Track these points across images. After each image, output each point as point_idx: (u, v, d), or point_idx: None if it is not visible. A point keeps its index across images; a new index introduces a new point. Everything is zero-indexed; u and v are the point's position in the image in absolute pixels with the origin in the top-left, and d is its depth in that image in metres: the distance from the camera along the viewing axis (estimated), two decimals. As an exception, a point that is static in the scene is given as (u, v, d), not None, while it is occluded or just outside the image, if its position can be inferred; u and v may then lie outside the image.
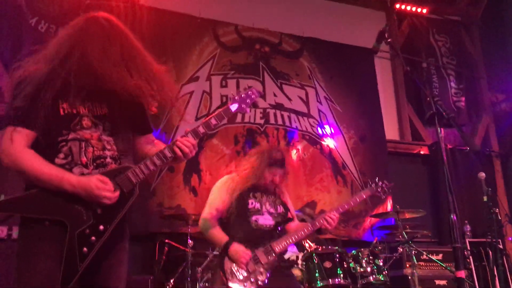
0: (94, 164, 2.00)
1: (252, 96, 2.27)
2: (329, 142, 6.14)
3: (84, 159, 1.98)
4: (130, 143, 2.22)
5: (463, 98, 7.14)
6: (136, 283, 4.17)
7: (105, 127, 2.06)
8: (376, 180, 3.56)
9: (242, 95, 2.26)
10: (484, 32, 7.62)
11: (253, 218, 3.15)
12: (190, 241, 4.25)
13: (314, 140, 6.09)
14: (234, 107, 2.23)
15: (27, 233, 1.92)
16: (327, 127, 6.21)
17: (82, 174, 1.96)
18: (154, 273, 4.41)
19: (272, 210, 3.22)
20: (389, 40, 2.35)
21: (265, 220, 3.17)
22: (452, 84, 7.16)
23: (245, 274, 2.97)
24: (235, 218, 3.17)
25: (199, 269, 4.02)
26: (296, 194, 5.73)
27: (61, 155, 1.96)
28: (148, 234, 4.85)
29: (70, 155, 1.96)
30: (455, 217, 1.78)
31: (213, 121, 2.19)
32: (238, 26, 6.10)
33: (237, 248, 3.00)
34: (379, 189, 3.51)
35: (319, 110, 6.25)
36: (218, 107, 5.28)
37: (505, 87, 7.32)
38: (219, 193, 3.23)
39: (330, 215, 3.25)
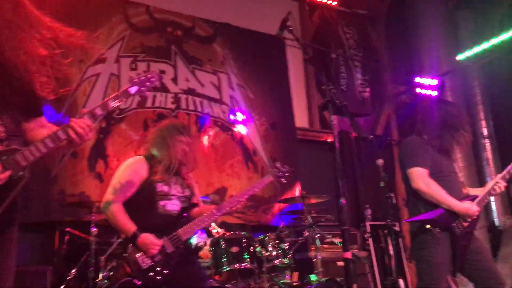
0: (-23, 146, 1.84)
1: (152, 79, 2.20)
2: (240, 129, 6.19)
3: (-35, 140, 1.81)
4: (19, 125, 2.07)
5: (368, 89, 7.52)
6: (35, 274, 3.95)
7: (-11, 107, 1.89)
8: (277, 165, 3.61)
9: (142, 78, 2.19)
10: (389, 27, 8.06)
11: (161, 203, 3.06)
12: (94, 229, 4.09)
13: (226, 127, 6.10)
14: (133, 89, 2.15)
15: None
16: (239, 113, 6.24)
17: (-38, 156, 1.79)
18: (54, 263, 4.20)
19: (180, 193, 3.16)
20: (290, 28, 2.39)
21: (173, 206, 3.10)
22: (358, 75, 7.51)
23: (150, 263, 2.88)
24: (142, 203, 3.05)
25: (102, 257, 3.89)
26: (207, 180, 5.72)
27: None
28: (48, 223, 4.60)
29: (-51, 136, 1.79)
30: (344, 201, 1.88)
31: (111, 103, 2.10)
32: (150, 7, 5.91)
33: (147, 239, 2.88)
34: (280, 174, 3.54)
35: (231, 97, 6.27)
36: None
37: (406, 80, 7.81)
38: (125, 175, 3.06)
39: (237, 199, 3.26)
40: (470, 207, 3.07)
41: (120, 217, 2.96)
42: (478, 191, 3.32)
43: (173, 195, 3.12)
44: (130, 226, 2.92)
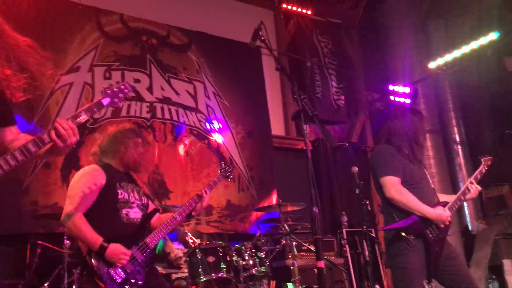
0: None
1: (125, 91, 2.18)
2: (217, 137, 6.18)
3: None
4: None
5: (343, 97, 7.59)
6: (6, 288, 3.86)
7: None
8: (222, 164, 3.67)
9: (115, 89, 2.17)
10: (362, 35, 8.18)
11: (124, 211, 2.97)
12: (67, 242, 4.01)
13: (202, 135, 6.08)
14: (106, 101, 2.13)
15: None
16: (215, 122, 6.23)
17: None
18: (25, 277, 4.09)
19: (139, 201, 3.09)
20: (263, 38, 2.41)
21: (135, 214, 3.03)
22: (333, 83, 7.58)
23: (123, 275, 2.81)
24: (104, 212, 2.93)
25: (76, 271, 3.81)
26: (183, 189, 5.68)
27: None
28: (20, 236, 4.49)
29: None
30: (316, 210, 1.88)
31: (83, 115, 2.06)
32: (124, 16, 5.87)
33: (116, 249, 2.78)
34: (227, 174, 3.60)
35: (207, 105, 6.25)
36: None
37: (380, 87, 7.93)
38: (83, 184, 2.91)
39: (195, 200, 3.23)
40: (443, 213, 3.12)
41: (84, 228, 2.81)
42: (450, 198, 3.38)
43: (133, 202, 3.05)
44: (96, 238, 2.79)
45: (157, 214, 3.19)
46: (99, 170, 3.01)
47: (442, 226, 3.10)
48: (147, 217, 3.08)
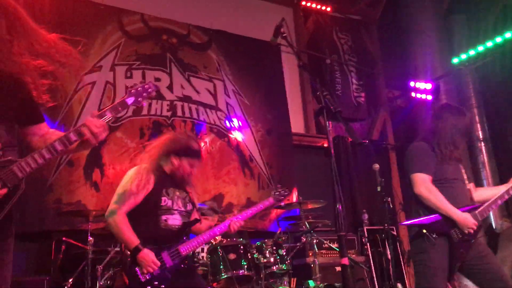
0: (-28, 158, 1.83)
1: (149, 90, 2.21)
2: (236, 135, 6.20)
3: (-41, 153, 1.81)
4: (15, 135, 2.06)
5: (363, 94, 7.54)
6: (31, 284, 3.94)
7: (-17, 117, 1.89)
8: (278, 187, 3.73)
9: (139, 88, 2.20)
10: (382, 32, 8.09)
11: (163, 217, 3.04)
12: (91, 238, 4.08)
13: (222, 133, 6.10)
14: (130, 100, 2.16)
15: None
16: (235, 120, 6.25)
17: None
18: (50, 273, 4.18)
19: (182, 208, 3.14)
20: (284, 34, 2.41)
21: (174, 220, 3.08)
22: (353, 80, 7.53)
23: (148, 277, 2.87)
24: (144, 215, 3.01)
25: (99, 267, 3.87)
26: (204, 187, 5.72)
27: None
28: (45, 232, 4.58)
29: None
30: (340, 207, 1.88)
31: (108, 114, 2.10)
32: (144, 15, 5.92)
33: (147, 256, 2.86)
34: (280, 197, 3.65)
35: (227, 103, 6.27)
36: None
37: (400, 84, 7.84)
38: (132, 185, 2.99)
39: (236, 221, 3.34)
40: (469, 218, 3.06)
41: (124, 228, 2.91)
42: (488, 192, 3.32)
43: (175, 209, 3.10)
44: (133, 239, 2.89)
45: (198, 223, 3.24)
46: (149, 174, 3.06)
47: (466, 232, 3.05)
48: (187, 224, 3.12)
